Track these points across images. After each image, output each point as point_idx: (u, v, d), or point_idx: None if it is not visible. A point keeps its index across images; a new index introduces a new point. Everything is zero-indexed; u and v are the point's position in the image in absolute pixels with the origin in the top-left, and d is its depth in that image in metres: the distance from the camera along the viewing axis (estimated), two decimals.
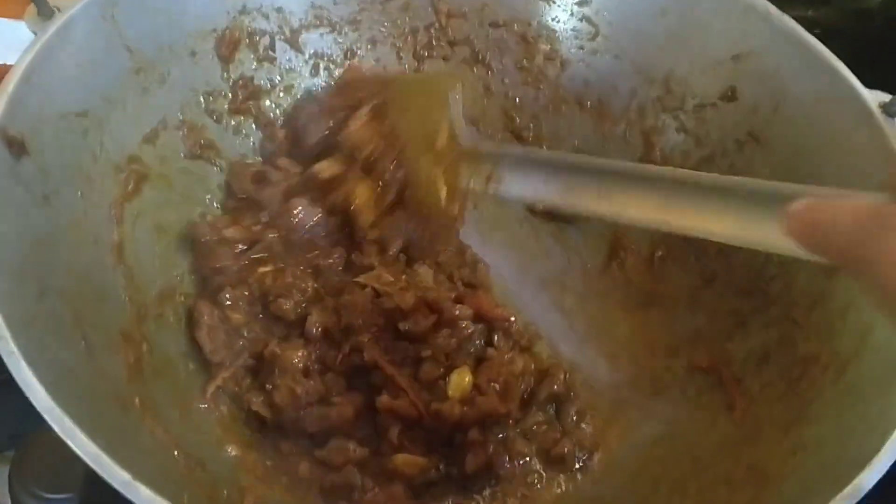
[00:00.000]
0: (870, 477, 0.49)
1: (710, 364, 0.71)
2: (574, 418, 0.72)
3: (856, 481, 0.48)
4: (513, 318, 0.75)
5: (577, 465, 0.70)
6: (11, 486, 0.77)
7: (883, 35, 1.07)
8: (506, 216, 0.87)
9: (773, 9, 0.76)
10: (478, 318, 0.73)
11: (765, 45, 0.76)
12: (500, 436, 0.69)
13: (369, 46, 0.86)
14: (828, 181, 0.70)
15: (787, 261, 0.71)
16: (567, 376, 0.73)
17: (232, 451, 0.63)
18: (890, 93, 0.73)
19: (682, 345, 0.75)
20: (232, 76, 0.79)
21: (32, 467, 0.77)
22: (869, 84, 0.70)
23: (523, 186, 0.64)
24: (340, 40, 0.85)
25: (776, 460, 0.58)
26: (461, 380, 0.68)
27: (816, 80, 0.72)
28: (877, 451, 0.49)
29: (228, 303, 0.70)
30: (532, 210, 0.87)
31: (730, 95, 0.79)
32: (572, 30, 0.86)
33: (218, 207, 0.78)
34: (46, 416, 0.46)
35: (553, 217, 0.86)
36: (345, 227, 0.74)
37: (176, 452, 0.56)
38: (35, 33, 0.62)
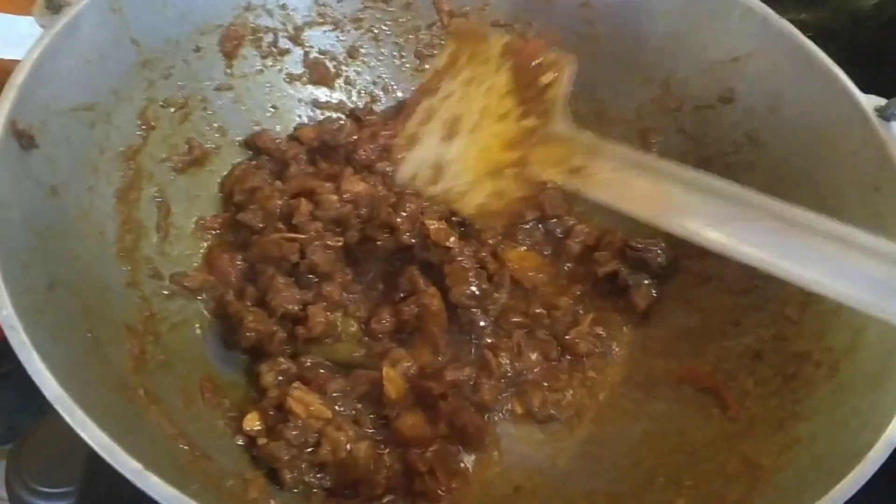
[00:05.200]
0: (864, 471, 0.50)
1: (702, 377, 0.72)
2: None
3: (850, 475, 0.49)
4: None
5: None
6: (8, 481, 0.77)
7: (876, 38, 1.08)
8: None
9: (770, 12, 0.77)
10: None
11: (762, 47, 0.77)
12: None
13: (372, 44, 0.87)
14: (822, 183, 0.72)
15: None
16: None
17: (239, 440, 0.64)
18: (882, 95, 0.74)
19: (676, 344, 0.76)
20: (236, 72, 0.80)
21: (30, 461, 0.77)
22: (861, 86, 0.71)
23: (616, 193, 0.55)
24: (343, 38, 0.86)
25: (770, 454, 0.59)
26: None
27: (813, 84, 0.74)
28: (871, 445, 0.51)
29: None
30: None
31: (727, 97, 0.80)
32: (573, 31, 0.87)
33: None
34: (58, 406, 0.46)
35: None
36: None
37: (181, 443, 0.57)
38: (43, 27, 0.62)
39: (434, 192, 0.64)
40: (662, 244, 0.79)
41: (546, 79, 0.60)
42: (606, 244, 0.82)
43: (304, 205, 0.74)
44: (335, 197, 0.75)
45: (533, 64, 0.61)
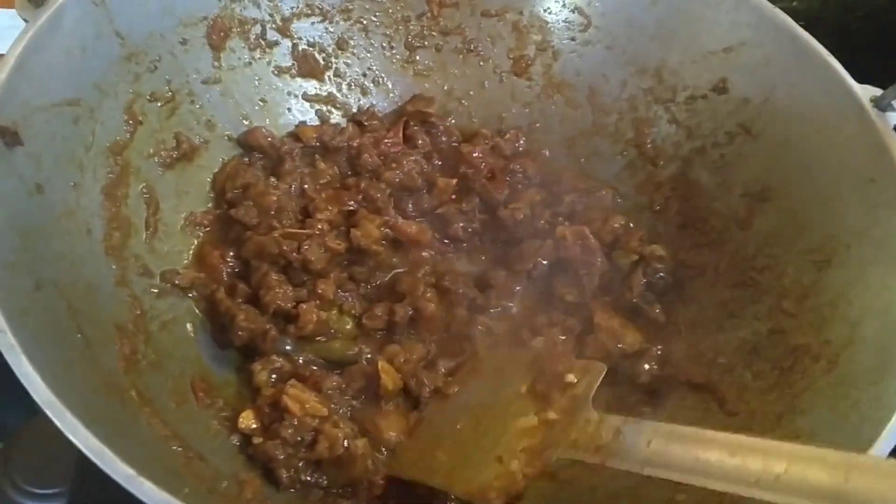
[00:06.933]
0: None
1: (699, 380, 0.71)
2: None
3: None
4: None
5: None
6: None
7: (865, 26, 1.08)
8: None
9: (764, 2, 0.77)
10: None
11: (756, 37, 0.77)
12: None
13: (361, 35, 0.86)
14: (817, 174, 0.71)
15: (776, 252, 0.72)
16: None
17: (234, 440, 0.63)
18: (871, 84, 0.73)
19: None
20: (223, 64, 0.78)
21: (20, 461, 0.75)
22: (850, 75, 0.71)
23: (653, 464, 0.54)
24: (332, 29, 0.85)
25: None
26: None
27: (807, 73, 0.73)
28: (873, 440, 0.50)
29: None
30: None
31: (721, 87, 0.80)
32: (564, 21, 0.86)
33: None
34: (47, 411, 0.45)
35: None
36: None
37: (175, 445, 0.56)
38: (26, 21, 0.61)
39: None
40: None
41: (571, 379, 0.63)
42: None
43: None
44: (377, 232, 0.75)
45: (560, 372, 0.64)
